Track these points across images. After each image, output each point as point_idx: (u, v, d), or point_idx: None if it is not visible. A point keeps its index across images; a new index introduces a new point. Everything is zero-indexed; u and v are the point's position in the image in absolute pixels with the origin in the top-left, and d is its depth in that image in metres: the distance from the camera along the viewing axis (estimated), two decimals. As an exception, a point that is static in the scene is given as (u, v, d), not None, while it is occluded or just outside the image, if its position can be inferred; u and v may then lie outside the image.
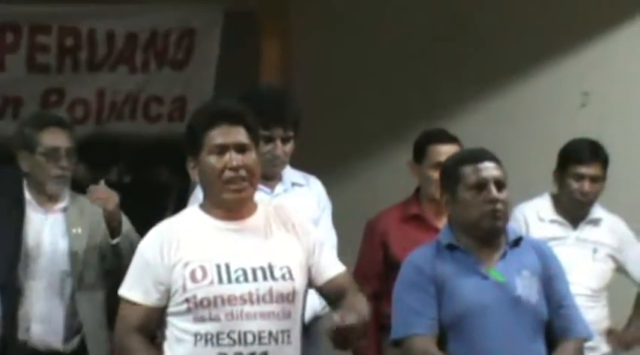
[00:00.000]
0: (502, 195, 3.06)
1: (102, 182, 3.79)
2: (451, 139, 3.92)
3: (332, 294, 2.84)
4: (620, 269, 4.16)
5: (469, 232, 3.10)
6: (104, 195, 3.72)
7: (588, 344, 3.29)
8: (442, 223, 3.42)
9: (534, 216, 4.07)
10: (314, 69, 5.83)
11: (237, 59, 5.70)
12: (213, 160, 2.73)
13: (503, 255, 3.12)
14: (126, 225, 3.77)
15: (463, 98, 5.22)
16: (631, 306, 4.19)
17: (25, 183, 3.73)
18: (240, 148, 2.74)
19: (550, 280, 3.14)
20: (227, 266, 2.70)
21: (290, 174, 3.68)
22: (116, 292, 2.83)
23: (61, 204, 3.76)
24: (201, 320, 2.68)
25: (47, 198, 3.74)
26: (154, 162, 5.96)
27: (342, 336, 2.62)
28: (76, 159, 3.80)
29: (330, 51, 5.78)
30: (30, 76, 5.29)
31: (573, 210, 4.07)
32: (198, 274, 2.69)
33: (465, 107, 5.20)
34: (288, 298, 2.72)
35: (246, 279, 2.69)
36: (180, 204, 3.04)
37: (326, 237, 3.06)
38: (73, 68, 5.39)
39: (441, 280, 3.06)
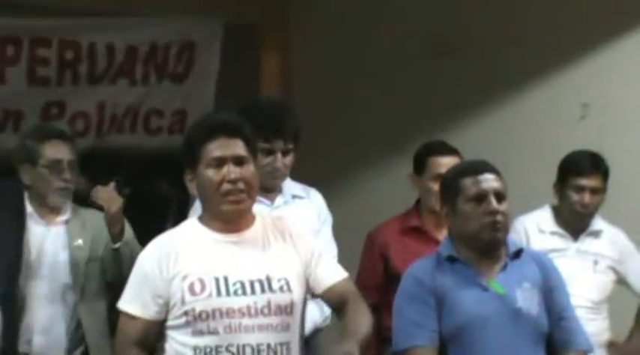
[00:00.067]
0: (502, 207, 3.06)
1: (111, 184, 3.79)
2: (451, 151, 3.92)
3: (333, 302, 2.83)
4: (621, 281, 4.15)
5: (469, 244, 3.10)
6: (107, 196, 3.72)
7: (589, 356, 3.29)
8: (442, 235, 3.41)
9: (535, 228, 4.07)
10: (314, 81, 5.84)
11: (237, 72, 5.71)
12: (211, 173, 2.73)
13: (504, 267, 3.11)
14: (128, 232, 3.77)
15: (463, 110, 5.22)
16: (632, 318, 4.18)
17: (26, 195, 3.74)
18: (238, 161, 2.74)
19: (551, 292, 3.13)
20: (225, 279, 2.70)
21: (290, 186, 3.68)
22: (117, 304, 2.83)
23: (63, 217, 3.77)
24: (200, 333, 2.68)
25: (49, 211, 3.74)
26: (154, 174, 5.97)
27: None
28: (78, 171, 3.81)
29: (329, 63, 5.80)
30: (30, 89, 5.30)
31: (574, 222, 4.07)
32: (197, 287, 2.69)
33: (465, 119, 5.20)
34: (287, 310, 2.71)
35: (244, 292, 2.69)
36: (181, 217, 3.04)
37: (326, 248, 3.05)
38: (73, 81, 5.40)
39: (441, 292, 3.06)
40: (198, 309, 2.67)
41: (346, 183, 5.61)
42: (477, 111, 5.19)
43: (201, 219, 2.82)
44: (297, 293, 2.74)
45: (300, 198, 3.70)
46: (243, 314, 2.67)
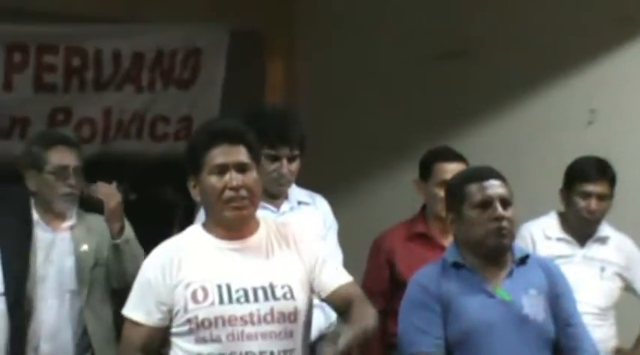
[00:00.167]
0: (508, 213, 3.05)
1: (114, 183, 3.80)
2: (457, 157, 3.91)
3: (338, 305, 2.82)
4: (628, 288, 4.14)
5: (475, 250, 3.09)
6: (106, 191, 3.72)
7: (596, 363, 3.27)
8: (448, 241, 3.41)
9: (541, 234, 4.06)
10: (318, 88, 5.85)
11: (242, 78, 5.72)
12: (213, 180, 2.73)
13: (510, 274, 3.10)
14: (129, 231, 3.76)
15: (469, 116, 5.22)
16: (639, 325, 4.17)
17: (32, 202, 3.74)
18: (241, 168, 2.74)
19: (557, 298, 3.12)
20: (228, 287, 2.70)
21: (296, 192, 3.68)
22: (121, 307, 2.84)
23: (68, 223, 3.77)
24: (203, 341, 2.68)
25: (54, 217, 3.75)
26: (160, 180, 5.97)
27: None
28: (83, 177, 3.81)
29: (334, 70, 5.80)
30: (37, 96, 5.31)
31: (580, 228, 4.06)
32: (200, 295, 2.69)
33: (471, 125, 5.19)
34: (290, 318, 2.71)
35: (247, 300, 2.69)
36: (187, 223, 3.04)
37: (331, 253, 3.04)
38: (79, 87, 5.41)
39: (446, 299, 3.05)
40: (200, 317, 2.67)
41: (352, 189, 5.61)
42: (483, 117, 5.18)
43: (204, 225, 2.82)
44: (301, 300, 2.74)
45: (306, 204, 3.70)
46: (245, 322, 2.67)
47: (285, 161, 3.52)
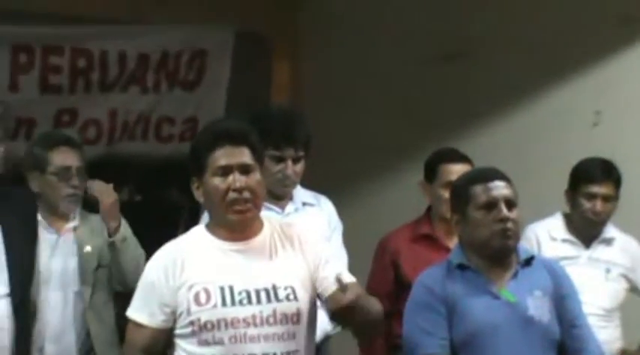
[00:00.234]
0: (512, 214, 3.05)
1: (111, 185, 3.80)
2: (462, 158, 3.91)
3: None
4: (633, 289, 4.13)
5: (480, 252, 3.09)
6: (101, 188, 3.73)
7: (601, 364, 3.27)
8: (453, 243, 3.40)
9: (546, 236, 4.05)
10: (324, 89, 5.85)
11: (247, 80, 5.73)
12: (216, 181, 2.72)
13: (515, 275, 3.10)
14: (127, 230, 3.76)
15: (474, 117, 5.21)
16: (644, 326, 4.17)
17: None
18: (244, 169, 2.73)
19: (562, 300, 3.12)
20: (231, 289, 2.70)
21: (301, 193, 3.68)
22: (124, 310, 2.84)
23: (72, 224, 3.77)
24: (206, 343, 2.68)
25: (58, 218, 3.75)
26: (165, 181, 5.98)
27: (342, 311, 2.55)
28: (87, 178, 3.81)
29: (339, 72, 5.80)
30: (43, 97, 5.32)
31: (585, 230, 4.06)
32: (202, 297, 2.69)
33: (476, 126, 5.19)
34: (293, 319, 2.70)
35: (249, 302, 2.69)
36: (192, 224, 3.04)
37: (335, 254, 3.03)
38: (85, 89, 5.43)
39: (451, 300, 3.05)
40: (203, 319, 2.67)
41: (356, 190, 5.61)
42: (488, 118, 5.18)
43: (208, 226, 2.82)
44: (304, 301, 2.73)
45: (311, 205, 3.70)
46: (248, 324, 2.67)
47: (289, 162, 3.52)
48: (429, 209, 4.00)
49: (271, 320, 2.68)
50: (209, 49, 5.69)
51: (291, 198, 3.64)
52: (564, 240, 4.05)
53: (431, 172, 3.94)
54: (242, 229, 2.76)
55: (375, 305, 2.73)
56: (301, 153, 3.55)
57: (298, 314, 2.71)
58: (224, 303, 2.68)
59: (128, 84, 5.53)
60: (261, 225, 2.81)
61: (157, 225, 4.44)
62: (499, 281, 3.08)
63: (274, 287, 2.71)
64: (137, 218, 3.90)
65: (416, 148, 4.79)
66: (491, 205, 3.05)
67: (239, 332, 2.66)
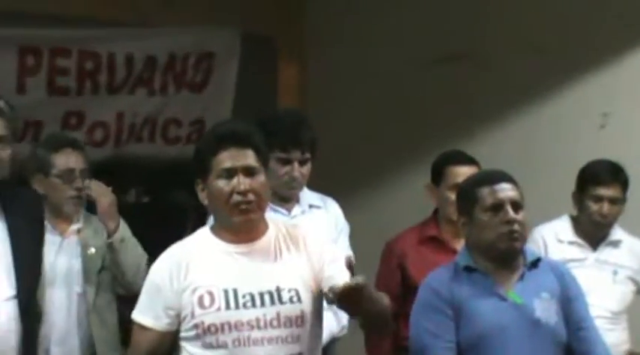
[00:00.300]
0: (519, 216, 3.05)
1: (109, 187, 3.80)
2: (469, 160, 3.91)
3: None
4: (641, 292, 4.14)
5: (486, 254, 3.09)
6: (98, 190, 3.73)
7: (608, 367, 3.26)
8: (460, 245, 3.40)
9: (553, 238, 4.05)
10: (330, 92, 5.85)
11: (254, 82, 5.73)
12: (221, 184, 2.71)
13: (522, 277, 3.10)
14: (126, 232, 3.76)
15: (481, 119, 5.21)
16: (652, 329, 4.16)
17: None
18: (249, 172, 2.72)
19: (569, 302, 3.12)
20: (235, 292, 2.69)
21: (307, 195, 3.69)
22: (126, 313, 2.84)
23: (76, 226, 3.78)
24: (210, 346, 2.67)
25: (62, 220, 3.76)
26: (172, 183, 5.98)
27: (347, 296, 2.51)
28: (91, 179, 3.81)
29: (346, 74, 5.80)
30: (50, 99, 5.32)
31: (592, 232, 4.05)
32: (206, 300, 2.68)
33: (483, 128, 5.18)
34: (297, 322, 2.70)
35: (253, 305, 2.68)
36: (199, 225, 3.04)
37: (342, 256, 3.02)
38: (92, 91, 5.42)
39: (458, 302, 3.05)
40: (207, 323, 2.67)
41: (363, 192, 5.61)
42: (495, 120, 5.17)
43: (212, 229, 2.82)
44: (308, 303, 2.72)
45: (318, 207, 3.70)
46: (252, 327, 2.66)
47: (296, 164, 3.52)
48: (436, 211, 4.00)
49: (275, 322, 2.67)
50: (216, 52, 5.69)
51: (297, 201, 3.64)
52: (571, 242, 4.05)
53: (438, 174, 3.94)
54: (246, 231, 2.75)
55: (383, 298, 2.71)
56: (308, 156, 3.55)
57: (302, 316, 2.70)
58: (228, 306, 2.67)
59: (135, 86, 5.53)
60: (265, 226, 2.80)
61: (164, 227, 4.45)
62: (506, 284, 3.08)
63: (278, 290, 2.70)
64: (144, 219, 3.91)
65: (422, 150, 4.79)
66: (498, 207, 3.05)
67: (243, 335, 2.65)
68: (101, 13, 5.24)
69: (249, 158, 2.73)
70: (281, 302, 2.69)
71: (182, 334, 2.73)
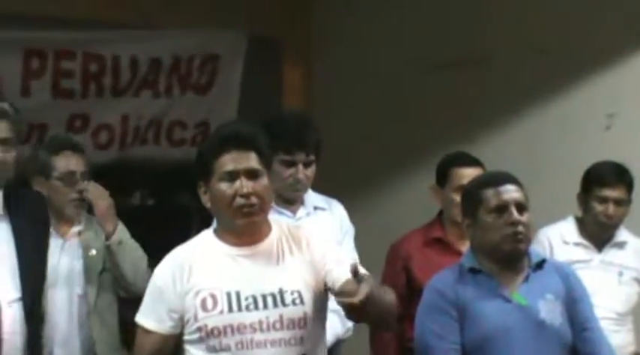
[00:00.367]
0: (523, 218, 3.05)
1: (107, 191, 3.80)
2: (474, 162, 3.91)
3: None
4: (646, 293, 4.13)
5: (491, 255, 3.09)
6: (95, 192, 3.73)
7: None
8: (465, 247, 3.40)
9: (558, 239, 4.05)
10: (335, 94, 5.85)
11: (259, 84, 5.73)
12: (224, 187, 2.70)
13: (526, 278, 3.10)
14: (124, 234, 3.76)
15: (485, 121, 5.20)
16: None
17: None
18: (251, 174, 2.71)
19: (574, 303, 3.11)
20: (237, 294, 2.69)
21: (312, 197, 3.68)
22: (127, 315, 2.84)
23: (77, 228, 3.79)
24: (213, 349, 2.67)
25: (63, 223, 3.76)
26: (177, 185, 5.99)
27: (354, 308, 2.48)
28: (90, 181, 3.80)
29: (351, 76, 5.80)
30: (55, 102, 5.32)
31: (598, 233, 4.05)
32: (209, 303, 2.68)
33: (488, 130, 5.18)
34: (300, 324, 2.69)
35: (256, 307, 2.68)
36: (204, 227, 3.04)
37: (347, 257, 3.02)
38: (97, 93, 5.43)
39: (462, 304, 3.05)
40: (210, 326, 2.66)
41: (368, 194, 5.61)
42: (500, 122, 5.17)
43: (215, 231, 2.81)
44: (311, 305, 2.71)
45: (322, 209, 3.70)
46: (254, 330, 2.66)
47: (301, 166, 3.52)
48: (441, 213, 4.00)
49: (278, 325, 2.67)
50: (221, 54, 5.70)
51: (302, 203, 3.64)
52: (576, 244, 4.05)
53: (442, 176, 3.94)
54: (249, 234, 2.75)
55: (389, 294, 2.69)
56: (312, 158, 3.55)
57: (305, 318, 2.69)
58: (230, 309, 2.67)
59: (140, 88, 5.53)
60: (269, 228, 2.80)
61: (169, 229, 4.45)
62: (511, 285, 3.08)
63: (281, 292, 2.70)
64: (149, 222, 3.90)
65: (427, 152, 4.79)
66: (502, 209, 3.05)
67: (246, 337, 2.65)
68: (105, 15, 5.24)
69: (252, 160, 2.72)
70: (284, 304, 2.69)
71: (185, 337, 2.73)
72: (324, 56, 5.96)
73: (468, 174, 3.75)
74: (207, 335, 2.67)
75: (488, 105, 5.19)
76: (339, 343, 3.63)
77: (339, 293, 2.57)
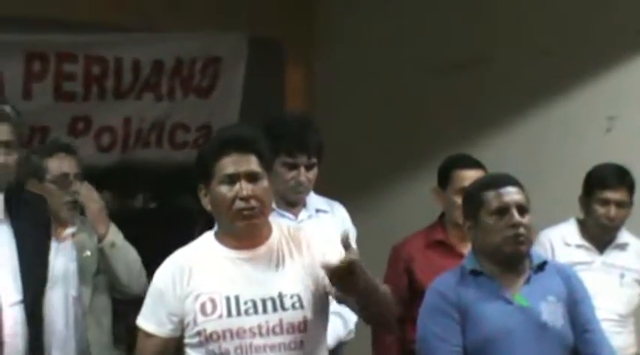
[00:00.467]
0: (525, 220, 3.05)
1: (97, 193, 3.80)
2: (475, 164, 3.91)
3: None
4: (648, 295, 4.13)
5: (492, 257, 3.09)
6: (86, 195, 3.74)
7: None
8: (467, 249, 3.40)
9: (560, 241, 4.05)
10: (338, 96, 5.85)
11: (261, 86, 5.73)
12: (224, 190, 2.69)
13: (528, 280, 3.10)
14: (118, 237, 3.77)
15: (487, 123, 5.20)
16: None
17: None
18: (252, 177, 2.70)
19: (575, 305, 3.11)
20: (237, 299, 2.68)
21: (314, 200, 3.69)
22: (130, 318, 2.84)
23: (70, 230, 3.79)
24: (212, 353, 2.67)
25: (58, 224, 3.76)
26: (179, 188, 5.99)
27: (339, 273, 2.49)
28: (82, 183, 3.81)
29: (353, 78, 5.80)
30: (57, 105, 5.32)
31: (599, 235, 4.05)
32: (208, 307, 2.67)
33: (489, 132, 5.18)
34: (299, 328, 2.68)
35: (255, 311, 2.67)
36: (207, 230, 3.04)
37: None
38: (99, 96, 5.42)
39: (464, 306, 3.05)
40: (209, 330, 2.66)
41: (370, 196, 5.61)
42: (501, 124, 5.17)
43: (216, 234, 2.81)
44: (311, 308, 2.70)
45: (324, 211, 3.70)
46: (254, 334, 2.65)
47: (302, 169, 3.53)
48: (442, 215, 4.00)
49: (277, 329, 2.66)
50: (223, 56, 5.69)
51: (304, 205, 3.64)
52: (578, 246, 4.05)
53: (444, 178, 3.94)
54: (249, 237, 2.74)
55: (385, 288, 2.68)
56: (314, 160, 3.55)
57: (305, 322, 2.68)
58: (229, 314, 2.66)
59: (142, 91, 5.53)
60: (269, 231, 2.79)
61: (172, 232, 4.45)
62: (512, 287, 3.09)
63: (280, 296, 2.69)
64: (152, 225, 3.91)
65: (429, 153, 4.79)
66: (503, 211, 3.05)
67: (245, 342, 2.64)
68: (106, 18, 5.25)
69: (252, 163, 2.71)
70: (283, 308, 2.68)
71: (186, 340, 2.73)
72: (326, 57, 5.96)
73: (469, 176, 3.76)
74: (207, 339, 2.66)
75: (488, 107, 5.19)
76: (341, 345, 3.63)
77: (323, 266, 2.54)
